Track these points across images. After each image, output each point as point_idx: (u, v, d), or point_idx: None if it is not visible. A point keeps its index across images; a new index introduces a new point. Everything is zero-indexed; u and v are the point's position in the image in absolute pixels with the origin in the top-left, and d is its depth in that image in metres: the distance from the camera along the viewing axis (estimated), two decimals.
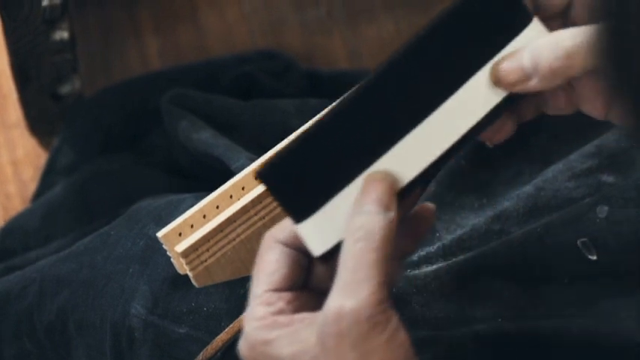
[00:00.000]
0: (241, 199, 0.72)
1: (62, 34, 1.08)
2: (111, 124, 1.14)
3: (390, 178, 0.62)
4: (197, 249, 0.72)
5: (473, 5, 0.62)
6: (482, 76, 0.64)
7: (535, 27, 0.64)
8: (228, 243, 0.72)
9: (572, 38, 0.61)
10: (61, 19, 1.06)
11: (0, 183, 1.23)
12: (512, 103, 0.65)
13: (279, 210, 0.73)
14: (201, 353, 0.75)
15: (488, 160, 0.85)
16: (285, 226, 0.64)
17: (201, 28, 1.31)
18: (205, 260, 0.72)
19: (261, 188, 0.72)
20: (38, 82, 1.14)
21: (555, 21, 0.67)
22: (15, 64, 1.11)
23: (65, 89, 1.17)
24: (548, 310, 0.78)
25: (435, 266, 0.79)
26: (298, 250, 0.64)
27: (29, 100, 1.17)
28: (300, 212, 0.62)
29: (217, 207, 0.72)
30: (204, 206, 0.72)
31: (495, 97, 0.64)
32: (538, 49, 0.62)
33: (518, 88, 0.63)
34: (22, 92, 1.16)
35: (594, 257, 0.78)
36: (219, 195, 0.73)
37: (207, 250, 0.72)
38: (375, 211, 0.60)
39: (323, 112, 0.62)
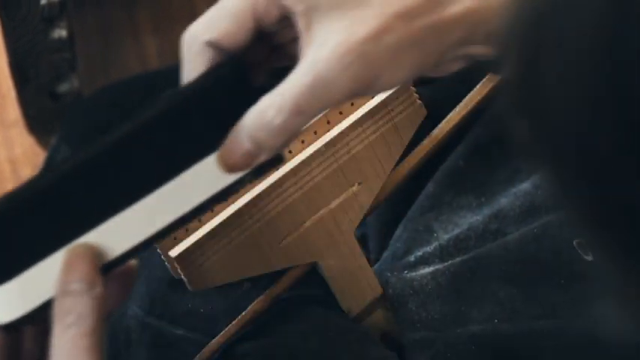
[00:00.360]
0: (235, 203, 0.72)
1: (61, 33, 1.08)
2: (109, 123, 1.14)
3: (92, 253, 0.59)
4: (191, 253, 0.72)
5: (198, 93, 0.60)
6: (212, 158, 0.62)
7: None
8: (223, 247, 0.72)
9: (270, 101, 0.59)
10: (60, 17, 1.06)
11: None
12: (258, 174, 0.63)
13: (274, 213, 0.73)
14: (198, 356, 0.75)
15: (486, 160, 0.85)
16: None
17: None
18: (200, 264, 0.72)
19: (254, 192, 0.72)
20: (37, 80, 1.14)
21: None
22: (13, 62, 1.11)
23: (63, 88, 1.17)
24: (544, 310, 0.78)
25: (431, 268, 0.79)
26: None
27: (28, 98, 1.17)
28: None
29: (212, 210, 0.72)
30: None
31: (229, 177, 0.62)
32: (249, 127, 0.60)
33: (254, 165, 0.62)
34: (21, 91, 1.16)
35: (590, 258, 0.78)
36: None
37: (202, 254, 0.72)
38: (81, 291, 0.58)
39: (28, 182, 0.59)
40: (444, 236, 0.81)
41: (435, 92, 0.86)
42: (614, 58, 0.37)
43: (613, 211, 0.40)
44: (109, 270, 0.60)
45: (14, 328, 0.60)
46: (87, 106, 1.16)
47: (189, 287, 0.72)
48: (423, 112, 0.76)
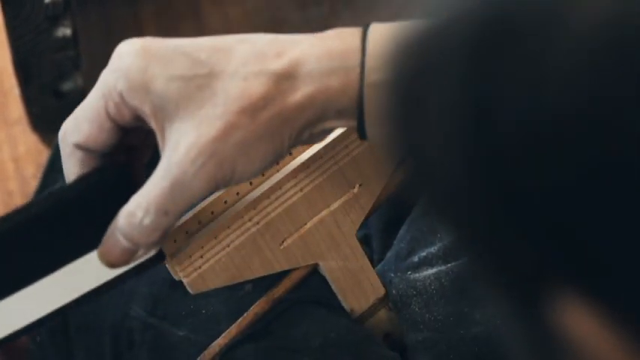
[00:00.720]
0: (235, 205, 0.72)
1: (65, 31, 1.08)
2: None
3: None
4: (191, 256, 0.71)
5: (77, 196, 0.65)
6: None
7: None
8: (222, 249, 0.72)
9: (137, 203, 0.63)
10: (64, 15, 1.06)
11: (1, 180, 1.23)
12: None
13: (273, 215, 0.73)
14: (199, 358, 0.75)
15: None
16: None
17: (204, 26, 1.30)
18: (199, 267, 0.72)
19: (255, 194, 0.72)
20: (40, 79, 1.14)
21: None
22: (17, 61, 1.11)
23: (67, 86, 1.17)
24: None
25: (435, 269, 0.79)
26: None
27: (31, 96, 1.17)
28: None
29: (212, 212, 0.72)
30: (199, 212, 0.72)
31: (112, 271, 0.68)
32: (122, 227, 0.64)
33: (133, 260, 0.67)
34: (24, 89, 1.16)
35: None
36: (214, 200, 0.72)
37: (201, 256, 0.72)
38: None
39: None
40: (447, 237, 0.81)
41: None
42: (479, 125, 0.38)
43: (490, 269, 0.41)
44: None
45: None
46: None
47: (189, 290, 0.72)
48: None
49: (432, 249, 0.81)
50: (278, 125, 0.63)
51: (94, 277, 0.67)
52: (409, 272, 0.80)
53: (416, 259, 0.80)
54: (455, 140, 0.38)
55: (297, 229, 0.74)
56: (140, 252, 0.66)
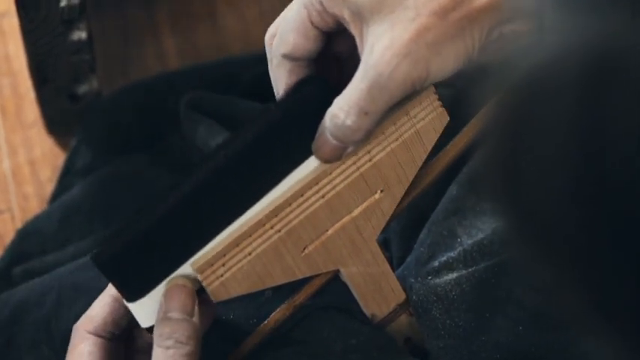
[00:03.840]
0: (257, 213, 0.72)
1: (80, 35, 1.07)
2: (128, 124, 1.14)
3: (190, 284, 0.69)
4: (212, 264, 0.71)
5: (292, 109, 0.70)
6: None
7: None
8: (244, 257, 0.72)
9: (339, 105, 0.68)
10: (79, 19, 1.05)
11: (18, 184, 1.23)
12: None
13: (295, 222, 0.72)
14: None
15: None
16: (93, 317, 0.72)
17: (220, 27, 1.30)
18: (221, 275, 0.71)
19: (276, 202, 0.72)
20: (56, 82, 1.14)
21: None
22: (33, 64, 1.10)
23: (83, 89, 1.17)
24: (570, 317, 0.77)
25: (455, 274, 0.79)
26: (108, 337, 0.71)
27: (47, 99, 1.17)
28: (132, 295, 0.70)
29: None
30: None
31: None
32: (328, 128, 0.69)
33: (348, 153, 0.71)
34: (40, 92, 1.16)
35: None
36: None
37: (223, 264, 0.71)
38: (180, 318, 0.68)
39: (155, 202, 0.69)
40: (467, 241, 0.81)
41: (457, 93, 0.85)
42: (587, 150, 0.39)
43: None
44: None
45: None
46: (106, 107, 1.16)
47: (211, 298, 0.72)
48: (446, 118, 0.75)
49: (453, 253, 0.80)
50: (467, 25, 0.66)
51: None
52: (430, 277, 0.79)
53: (436, 263, 0.80)
54: (565, 152, 0.39)
55: (318, 236, 0.73)
56: (350, 149, 0.71)
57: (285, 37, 0.69)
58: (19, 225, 1.19)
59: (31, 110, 1.25)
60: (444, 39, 0.66)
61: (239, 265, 0.71)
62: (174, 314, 0.68)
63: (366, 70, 0.66)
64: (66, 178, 1.15)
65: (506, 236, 0.61)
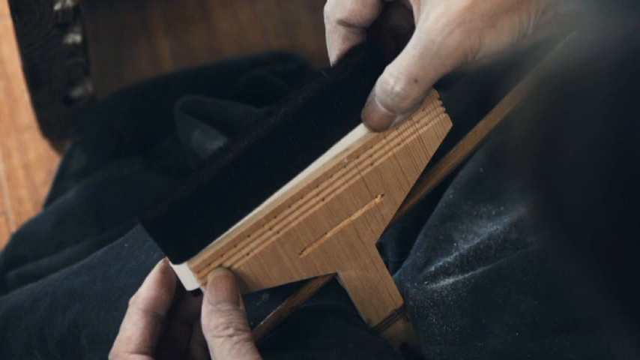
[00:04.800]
0: (256, 213, 0.71)
1: (74, 38, 1.07)
2: (122, 128, 1.14)
3: (232, 275, 0.70)
4: (210, 264, 0.71)
5: (345, 75, 0.71)
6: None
7: None
8: (242, 258, 0.71)
9: (389, 72, 0.68)
10: (73, 22, 1.05)
11: (12, 187, 1.23)
12: None
13: (293, 224, 0.72)
14: None
15: (505, 167, 0.84)
16: (141, 292, 0.72)
17: (214, 29, 1.30)
18: None
19: (275, 204, 0.71)
20: (50, 85, 1.13)
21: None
22: (27, 67, 1.10)
23: (77, 92, 1.16)
24: (566, 324, 0.77)
25: (452, 279, 0.79)
26: (154, 314, 0.72)
27: (41, 103, 1.17)
28: (178, 257, 0.70)
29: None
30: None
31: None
32: (378, 95, 0.70)
33: (398, 121, 0.71)
34: (34, 95, 1.15)
35: None
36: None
37: (221, 265, 0.71)
38: (231, 309, 0.69)
39: (204, 164, 0.70)
40: (464, 246, 0.81)
41: (458, 99, 0.85)
42: (621, 151, 0.39)
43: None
44: None
45: (199, 291, 0.72)
46: (100, 111, 1.16)
47: None
48: (449, 124, 0.75)
49: (449, 258, 0.80)
50: (523, 0, 0.66)
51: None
52: (426, 282, 0.79)
53: (433, 268, 0.79)
54: (599, 151, 0.39)
55: (317, 239, 0.73)
56: (398, 118, 0.71)
57: (343, 3, 0.70)
58: (13, 229, 1.18)
59: (26, 113, 1.25)
60: (499, 11, 0.66)
61: (236, 265, 0.71)
62: (225, 305, 0.69)
63: (419, 37, 0.66)
64: (60, 181, 1.15)
65: (532, 221, 0.60)
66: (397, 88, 0.68)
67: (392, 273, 0.82)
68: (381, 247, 0.86)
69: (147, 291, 0.72)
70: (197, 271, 0.70)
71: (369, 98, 0.70)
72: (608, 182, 0.39)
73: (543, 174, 0.42)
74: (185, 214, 0.69)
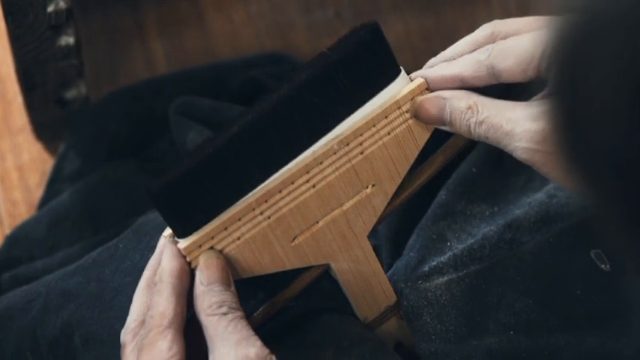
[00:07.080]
0: (246, 196, 0.72)
1: (68, 40, 1.07)
2: (116, 130, 1.14)
3: (223, 258, 0.71)
4: (200, 246, 0.71)
5: (350, 59, 0.72)
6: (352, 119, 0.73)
7: (403, 79, 0.74)
8: (232, 242, 0.72)
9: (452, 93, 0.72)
10: (67, 24, 1.05)
11: (6, 190, 1.22)
12: None
13: (284, 210, 0.72)
14: None
15: (499, 167, 0.84)
16: (165, 267, 0.71)
17: (208, 30, 1.30)
18: None
19: (265, 187, 0.72)
20: (44, 87, 1.13)
21: None
22: (20, 69, 1.10)
23: (71, 94, 1.16)
24: (560, 322, 0.77)
25: (445, 278, 0.79)
26: (182, 290, 0.71)
27: (35, 105, 1.17)
28: (183, 231, 0.71)
29: None
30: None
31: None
32: (450, 107, 0.73)
33: (433, 124, 0.74)
34: (28, 97, 1.15)
35: (608, 268, 0.77)
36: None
37: (211, 247, 0.71)
38: (223, 289, 0.70)
39: (210, 139, 0.71)
40: (457, 246, 0.81)
41: None
42: None
43: None
44: None
45: None
46: (94, 113, 1.16)
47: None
48: None
49: (443, 257, 0.80)
50: None
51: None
52: (420, 282, 0.79)
53: (426, 268, 0.80)
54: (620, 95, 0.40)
55: (308, 227, 0.73)
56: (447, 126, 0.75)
57: None
58: (7, 231, 1.18)
59: (19, 116, 1.24)
60: None
61: (227, 249, 0.71)
62: (216, 286, 0.70)
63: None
64: (54, 183, 1.15)
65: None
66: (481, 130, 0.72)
67: (387, 273, 0.82)
68: (375, 249, 0.86)
69: (169, 263, 0.71)
70: (188, 252, 0.71)
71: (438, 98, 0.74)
72: (632, 125, 0.39)
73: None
74: (190, 185, 0.69)
